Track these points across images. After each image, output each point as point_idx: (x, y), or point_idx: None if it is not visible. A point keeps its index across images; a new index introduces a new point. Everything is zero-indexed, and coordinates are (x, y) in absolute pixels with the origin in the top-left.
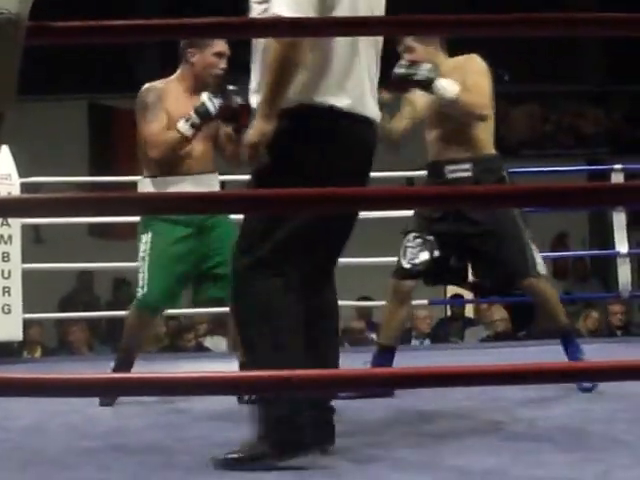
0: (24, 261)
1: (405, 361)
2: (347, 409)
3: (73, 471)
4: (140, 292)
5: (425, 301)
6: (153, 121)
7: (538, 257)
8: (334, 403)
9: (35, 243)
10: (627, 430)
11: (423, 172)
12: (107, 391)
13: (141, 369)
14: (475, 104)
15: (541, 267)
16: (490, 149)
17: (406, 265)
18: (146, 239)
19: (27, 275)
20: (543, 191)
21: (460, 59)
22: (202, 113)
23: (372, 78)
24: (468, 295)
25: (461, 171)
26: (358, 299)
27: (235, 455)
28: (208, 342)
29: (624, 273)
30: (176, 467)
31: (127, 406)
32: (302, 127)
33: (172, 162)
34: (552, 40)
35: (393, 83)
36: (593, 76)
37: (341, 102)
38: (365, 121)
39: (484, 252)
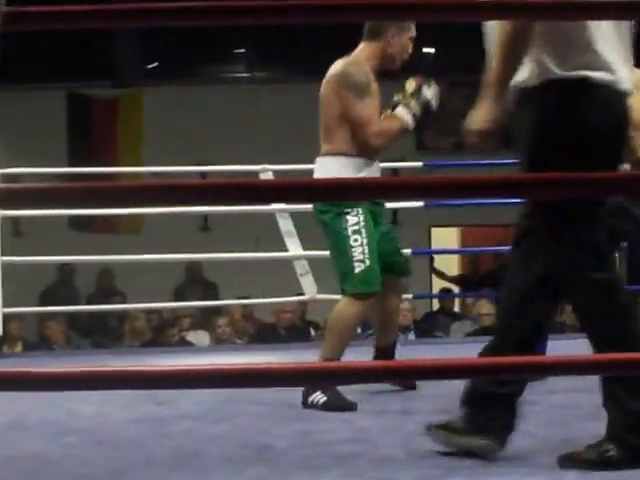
0: (3, 254)
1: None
2: None
3: (55, 466)
4: (360, 268)
5: (410, 295)
6: (369, 105)
7: None
8: None
9: (14, 236)
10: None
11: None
12: (89, 385)
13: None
14: None
15: None
16: None
17: None
18: (356, 212)
19: (6, 269)
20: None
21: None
22: (424, 104)
23: (628, 48)
24: (455, 290)
25: None
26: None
27: (586, 456)
28: (191, 337)
29: None
30: (158, 463)
31: (109, 401)
32: (580, 102)
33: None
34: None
35: None
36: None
37: (610, 76)
38: (624, 94)
39: None
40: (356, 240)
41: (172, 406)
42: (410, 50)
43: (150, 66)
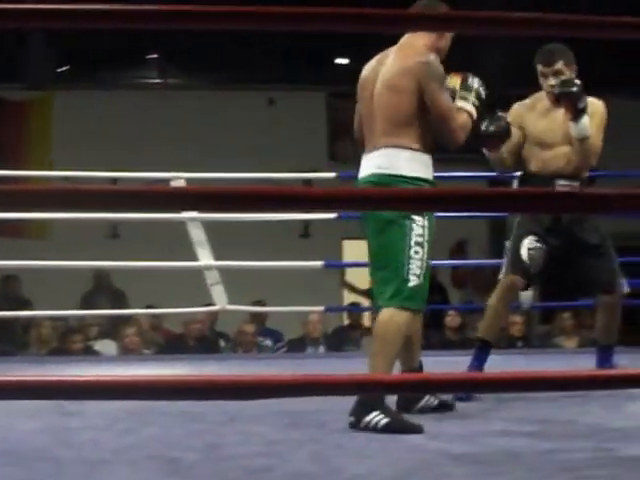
0: None
1: (303, 368)
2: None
3: None
4: (413, 282)
5: (321, 308)
6: (449, 98)
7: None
8: None
9: None
10: (524, 442)
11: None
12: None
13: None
14: (596, 152)
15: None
16: None
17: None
18: (424, 223)
19: None
20: (445, 195)
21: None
22: (480, 95)
23: None
24: (365, 304)
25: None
26: (252, 303)
27: None
28: (98, 346)
29: None
30: (65, 474)
31: (15, 410)
32: None
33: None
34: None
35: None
36: (492, 79)
37: None
38: None
39: (583, 264)
40: (417, 252)
41: (79, 416)
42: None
43: (61, 69)
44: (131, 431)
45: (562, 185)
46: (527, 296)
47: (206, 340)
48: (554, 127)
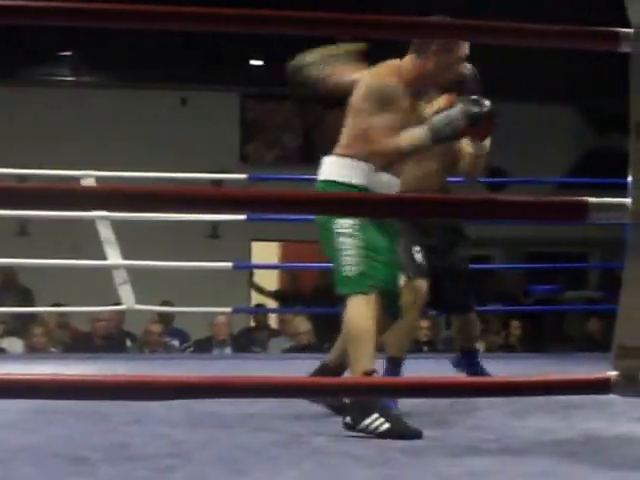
0: None
1: (210, 370)
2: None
3: None
4: (348, 272)
5: (229, 309)
6: (380, 122)
7: None
8: None
9: None
10: (427, 447)
11: None
12: None
13: None
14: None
15: None
16: None
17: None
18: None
19: None
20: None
21: None
22: (451, 122)
23: None
24: (272, 305)
25: None
26: (159, 303)
27: None
28: (5, 343)
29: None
30: None
31: None
32: None
33: None
34: (375, 45)
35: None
36: None
37: None
38: None
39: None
40: (344, 244)
41: None
42: (457, 69)
43: None
44: (36, 430)
45: None
46: None
47: (113, 339)
48: None
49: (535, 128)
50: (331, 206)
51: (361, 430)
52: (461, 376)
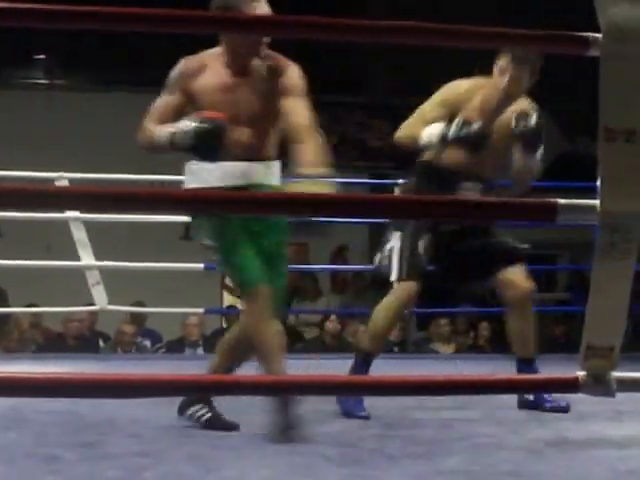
0: None
1: (182, 370)
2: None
3: None
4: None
5: (201, 310)
6: (161, 100)
7: None
8: None
9: None
10: (397, 447)
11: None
12: None
13: None
14: None
15: None
16: None
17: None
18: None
19: None
20: (327, 200)
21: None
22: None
23: None
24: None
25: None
26: (132, 304)
27: None
28: None
29: None
30: None
31: None
32: None
33: None
34: (342, 49)
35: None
36: (381, 89)
37: None
38: None
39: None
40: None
41: None
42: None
43: None
44: (9, 429)
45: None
46: None
47: (85, 339)
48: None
49: None
50: (304, 206)
51: (187, 417)
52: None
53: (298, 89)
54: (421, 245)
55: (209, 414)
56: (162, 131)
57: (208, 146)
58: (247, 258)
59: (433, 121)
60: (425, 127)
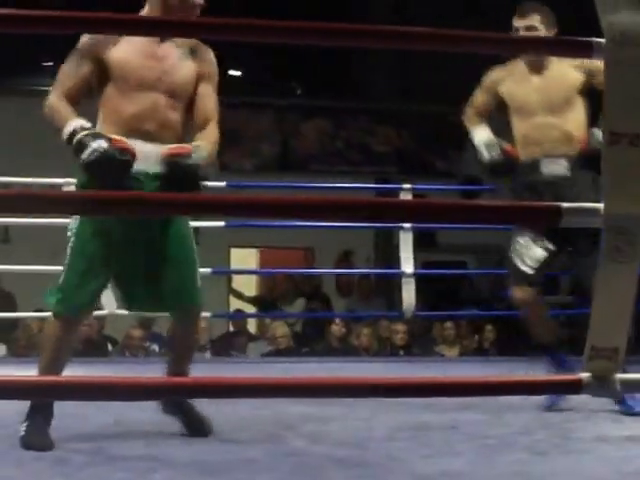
0: None
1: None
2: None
3: None
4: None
5: (208, 314)
6: (66, 67)
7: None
8: None
9: None
10: (404, 448)
11: None
12: None
13: None
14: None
15: None
16: None
17: (525, 269)
18: (73, 227)
19: None
20: (333, 204)
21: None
22: None
23: None
24: (250, 310)
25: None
26: None
27: None
28: None
29: (408, 293)
30: None
31: None
32: None
33: None
34: (345, 54)
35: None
36: (385, 94)
37: None
38: None
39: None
40: (66, 258)
41: None
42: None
43: None
44: (17, 432)
45: (548, 164)
46: (409, 305)
47: (94, 343)
48: (531, 93)
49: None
50: (313, 211)
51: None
52: None
53: (214, 77)
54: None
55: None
56: (65, 121)
57: (107, 174)
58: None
59: (480, 106)
60: (475, 116)
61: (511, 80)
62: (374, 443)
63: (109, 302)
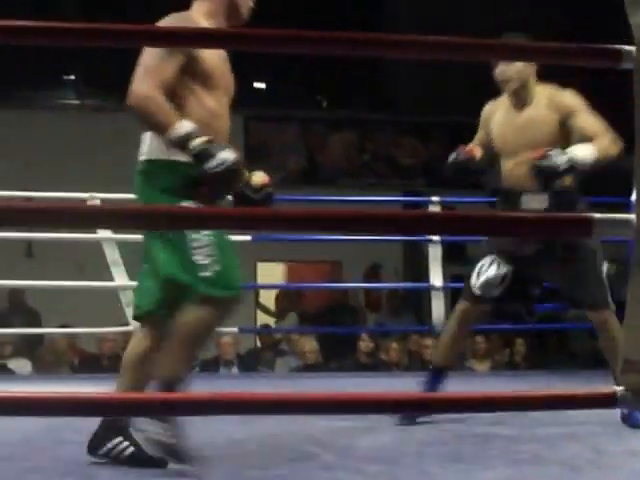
0: None
1: (217, 388)
2: None
3: None
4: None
5: (235, 329)
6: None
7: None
8: None
9: None
10: (435, 463)
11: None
12: None
13: None
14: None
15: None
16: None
17: (477, 291)
18: None
19: None
20: (360, 216)
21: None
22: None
23: None
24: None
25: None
26: None
27: None
28: (12, 364)
29: (438, 307)
30: None
31: None
32: None
33: None
34: (371, 66)
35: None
36: (412, 106)
37: None
38: None
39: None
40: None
41: None
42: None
43: None
44: (45, 449)
45: (527, 200)
46: (439, 319)
47: (120, 359)
48: (512, 132)
49: None
50: (341, 223)
51: (103, 454)
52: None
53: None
54: (482, 276)
55: (132, 447)
56: (170, 119)
57: (227, 187)
58: None
59: (477, 141)
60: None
61: (499, 115)
62: (405, 458)
63: None
